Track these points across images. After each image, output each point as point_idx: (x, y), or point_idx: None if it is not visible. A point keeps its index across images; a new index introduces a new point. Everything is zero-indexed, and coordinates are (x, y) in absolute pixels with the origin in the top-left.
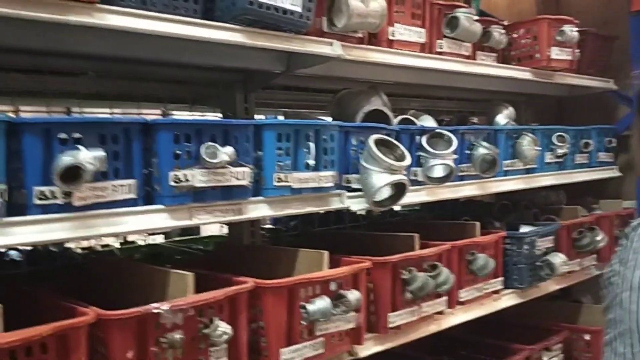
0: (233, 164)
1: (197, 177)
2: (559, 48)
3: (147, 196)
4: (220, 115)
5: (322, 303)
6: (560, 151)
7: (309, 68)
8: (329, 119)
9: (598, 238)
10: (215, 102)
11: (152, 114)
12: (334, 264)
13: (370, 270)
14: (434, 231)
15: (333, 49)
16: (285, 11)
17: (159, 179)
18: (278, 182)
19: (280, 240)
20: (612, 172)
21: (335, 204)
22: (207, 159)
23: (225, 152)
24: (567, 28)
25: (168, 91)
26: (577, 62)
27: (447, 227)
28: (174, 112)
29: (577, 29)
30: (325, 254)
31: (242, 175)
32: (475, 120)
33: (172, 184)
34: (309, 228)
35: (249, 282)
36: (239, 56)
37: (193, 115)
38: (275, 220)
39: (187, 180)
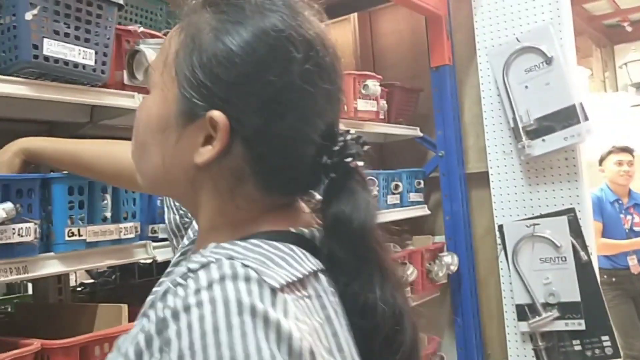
0: (15, 219)
1: None
2: (364, 101)
3: None
4: None
5: None
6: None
7: (115, 119)
8: None
9: (409, 272)
10: None
11: None
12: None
13: None
14: None
15: (134, 101)
16: (76, 65)
17: None
18: (70, 236)
19: (95, 295)
20: (423, 211)
21: (140, 255)
22: None
23: (3, 208)
24: (370, 82)
25: None
26: (387, 112)
27: None
28: None
29: (379, 83)
30: (124, 307)
31: (25, 232)
32: None
33: None
34: (130, 280)
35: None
36: (35, 108)
37: None
38: (99, 275)
39: None
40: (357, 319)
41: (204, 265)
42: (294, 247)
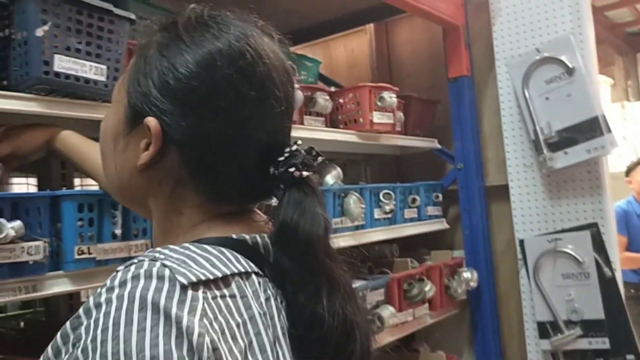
0: (24, 237)
1: None
2: (380, 113)
3: None
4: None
5: None
6: (387, 208)
7: None
8: None
9: (427, 288)
10: (31, 168)
11: None
12: None
13: None
14: None
15: None
16: (87, 80)
17: None
18: (80, 254)
19: None
20: (441, 225)
21: None
22: None
23: (12, 227)
24: (386, 94)
25: None
26: (404, 124)
27: None
28: None
29: (395, 94)
30: None
31: (35, 250)
32: None
33: None
34: None
35: None
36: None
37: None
38: None
39: None
40: (305, 329)
41: (127, 266)
42: (225, 250)
